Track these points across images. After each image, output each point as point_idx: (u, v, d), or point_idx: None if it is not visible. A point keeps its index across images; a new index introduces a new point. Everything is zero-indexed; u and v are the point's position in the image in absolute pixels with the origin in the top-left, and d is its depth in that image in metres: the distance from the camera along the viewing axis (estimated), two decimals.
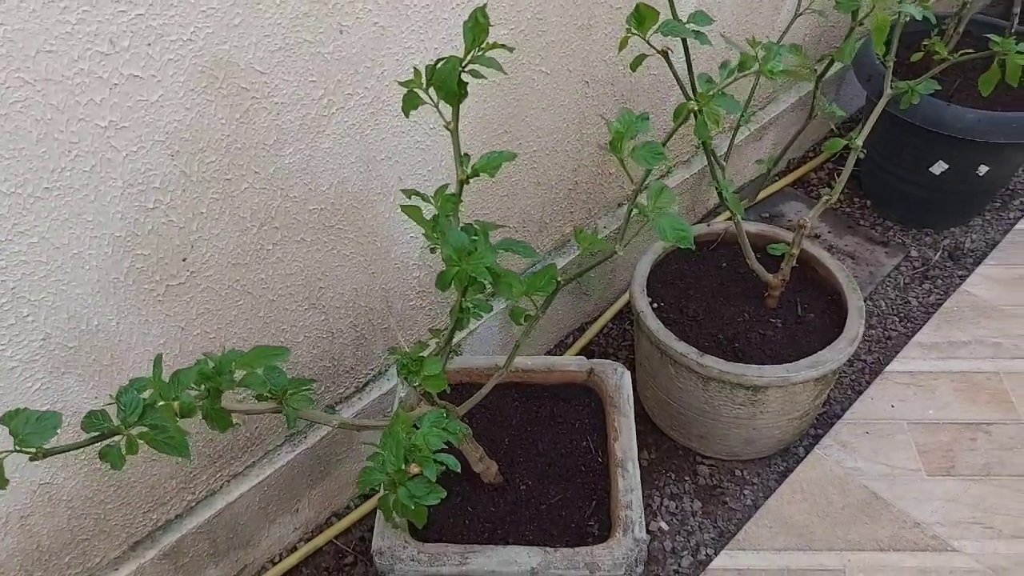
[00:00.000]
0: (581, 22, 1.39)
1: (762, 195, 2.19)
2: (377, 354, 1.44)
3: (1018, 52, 1.32)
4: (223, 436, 1.27)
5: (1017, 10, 1.88)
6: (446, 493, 0.84)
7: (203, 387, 0.75)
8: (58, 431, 0.68)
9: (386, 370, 1.47)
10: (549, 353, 1.86)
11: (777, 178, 2.26)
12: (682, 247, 0.91)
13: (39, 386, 0.99)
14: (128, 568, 1.23)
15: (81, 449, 0.72)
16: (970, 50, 1.46)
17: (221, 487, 1.33)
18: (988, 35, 1.40)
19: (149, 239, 1.01)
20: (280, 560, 1.48)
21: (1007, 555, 1.40)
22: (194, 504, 1.30)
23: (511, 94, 1.35)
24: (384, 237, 1.29)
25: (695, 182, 1.97)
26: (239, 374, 0.78)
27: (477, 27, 0.84)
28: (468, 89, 0.85)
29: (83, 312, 0.99)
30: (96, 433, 0.72)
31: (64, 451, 0.71)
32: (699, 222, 2.08)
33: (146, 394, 0.74)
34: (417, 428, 0.90)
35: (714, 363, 1.43)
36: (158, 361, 0.73)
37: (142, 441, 0.72)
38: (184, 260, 1.06)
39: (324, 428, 1.41)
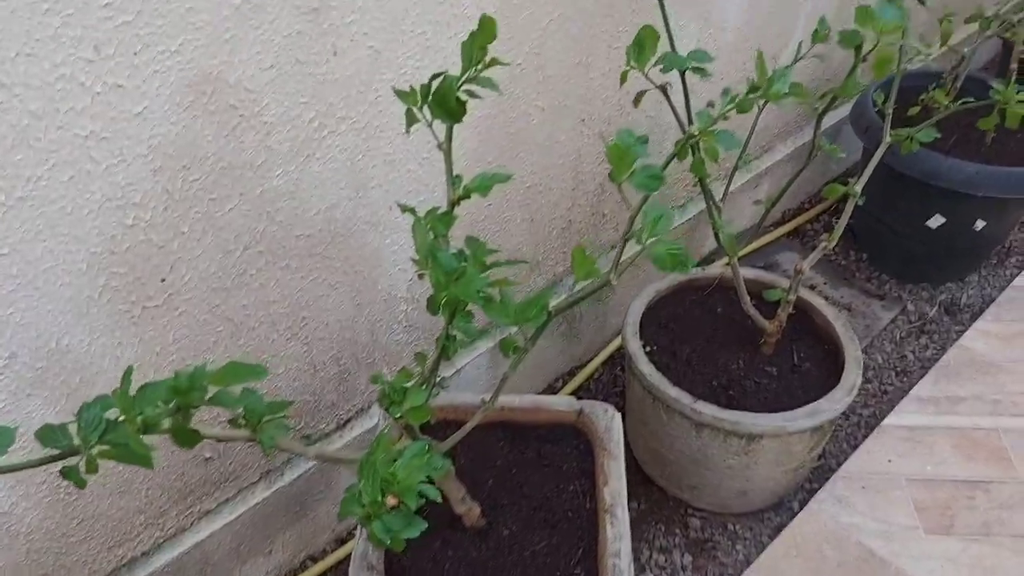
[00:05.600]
0: (579, 59, 1.38)
1: (758, 245, 2.18)
2: (360, 390, 1.39)
3: (1019, 101, 1.32)
4: (195, 471, 1.21)
5: (1014, 66, 1.89)
6: (427, 525, 0.79)
7: (172, 403, 0.70)
8: (9, 447, 0.63)
9: (369, 406, 1.43)
10: None
11: (772, 228, 2.25)
12: (680, 273, 0.88)
13: (0, 407, 0.94)
14: None
15: (39, 471, 0.67)
16: (971, 99, 1.46)
17: (191, 524, 1.27)
18: (990, 86, 1.40)
19: (127, 257, 0.97)
20: None
21: None
22: (162, 541, 1.24)
23: (506, 128, 1.33)
24: (372, 267, 1.26)
25: (691, 227, 1.95)
26: (212, 391, 0.73)
27: (480, 37, 0.82)
28: (464, 121, 0.83)
29: (53, 331, 0.95)
30: (54, 451, 0.67)
31: (16, 469, 0.66)
32: (696, 265, 2.05)
33: (110, 413, 0.70)
34: (397, 460, 0.85)
35: (708, 409, 1.38)
36: (127, 374, 0.68)
37: (104, 460, 0.67)
38: (163, 281, 1.02)
39: (302, 465, 1.35)
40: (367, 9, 1.02)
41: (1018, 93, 1.33)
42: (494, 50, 1.22)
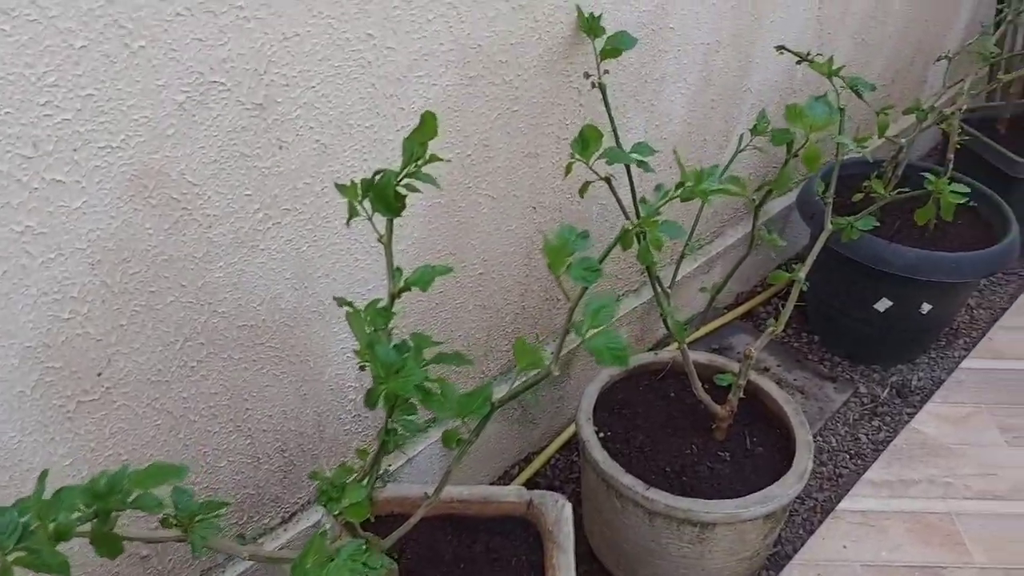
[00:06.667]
0: (528, 150, 1.41)
1: (711, 327, 2.20)
2: (306, 482, 1.36)
3: (952, 192, 1.36)
4: (132, 569, 1.17)
5: (951, 156, 1.96)
6: None
7: (92, 508, 0.68)
8: None
9: (316, 499, 1.39)
10: (493, 484, 1.78)
11: (726, 311, 2.28)
12: (621, 367, 0.88)
13: None
14: None
15: None
16: (906, 188, 1.51)
17: None
18: (924, 174, 1.45)
19: (62, 351, 0.95)
20: None
21: None
22: None
23: (456, 216, 1.34)
24: (318, 357, 1.25)
25: (644, 311, 1.96)
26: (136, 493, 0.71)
27: (421, 133, 0.83)
28: (412, 210, 0.84)
29: None
30: None
31: None
32: (650, 350, 2.06)
33: (28, 518, 0.67)
34: (333, 560, 0.83)
35: (660, 497, 1.37)
36: (42, 478, 0.66)
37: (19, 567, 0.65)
38: (99, 375, 1.00)
39: (242, 564, 1.31)
40: (313, 104, 1.04)
41: (951, 184, 1.38)
42: (442, 143, 1.25)
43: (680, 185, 0.84)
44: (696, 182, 0.83)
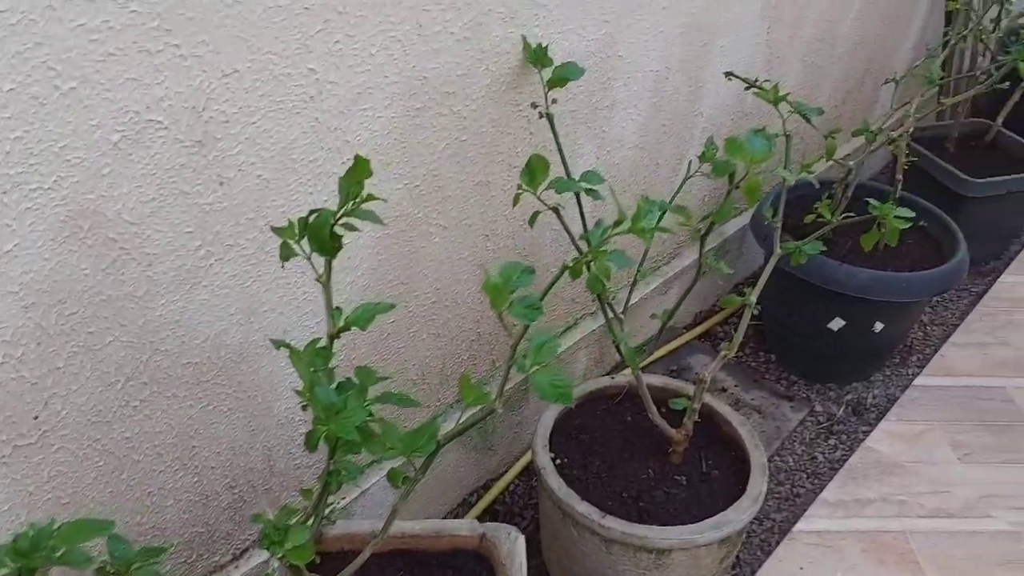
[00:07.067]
0: (479, 179, 1.41)
1: (669, 348, 2.21)
2: None
3: (896, 216, 1.39)
4: None
5: (899, 177, 2.00)
6: None
7: (16, 567, 0.67)
8: None
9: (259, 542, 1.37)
10: (451, 513, 1.77)
11: (684, 331, 2.29)
12: (565, 404, 0.88)
13: None
14: None
15: None
16: (852, 213, 1.53)
17: None
18: (868, 200, 1.47)
19: None
20: None
21: None
22: None
23: (407, 246, 1.34)
24: (267, 391, 1.23)
25: (603, 333, 1.97)
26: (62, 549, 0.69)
27: (355, 173, 0.83)
28: (361, 241, 0.83)
29: None
30: None
31: None
32: (607, 374, 2.07)
33: None
34: None
35: (616, 524, 1.37)
36: None
37: None
38: (36, 418, 0.98)
39: None
40: (255, 140, 1.03)
41: (897, 207, 1.40)
42: (390, 174, 1.24)
43: (618, 223, 0.84)
44: (635, 220, 0.83)
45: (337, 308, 0.87)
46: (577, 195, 1.31)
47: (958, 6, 2.20)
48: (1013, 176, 2.39)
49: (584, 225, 1.33)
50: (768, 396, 2.10)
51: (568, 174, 1.35)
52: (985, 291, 2.48)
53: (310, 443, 0.84)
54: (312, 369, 0.85)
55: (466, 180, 1.39)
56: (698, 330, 2.29)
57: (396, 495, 1.55)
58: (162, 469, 1.15)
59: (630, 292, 1.47)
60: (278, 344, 0.85)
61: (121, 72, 0.87)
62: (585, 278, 1.09)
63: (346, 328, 0.86)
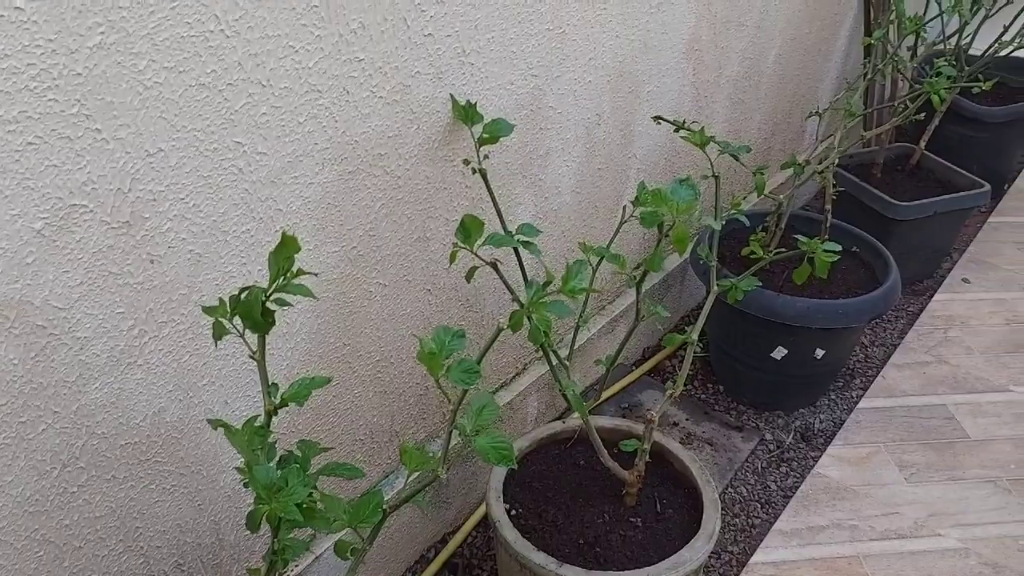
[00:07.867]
0: (417, 235, 1.42)
1: (619, 386, 2.23)
2: None
3: (824, 251, 1.43)
4: None
5: (828, 207, 2.06)
6: None
7: None
8: None
9: None
10: (409, 570, 1.75)
11: (634, 367, 2.31)
12: (507, 467, 0.88)
13: None
14: None
15: None
16: (783, 248, 1.57)
17: None
18: (796, 236, 1.51)
19: None
20: None
21: None
22: None
23: (347, 307, 1.34)
24: (210, 465, 1.21)
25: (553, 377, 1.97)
26: None
27: (284, 249, 0.83)
28: (300, 307, 0.83)
29: None
30: None
31: None
32: (558, 418, 2.07)
33: None
34: None
35: (573, 574, 1.37)
36: None
37: None
38: None
39: None
40: (184, 216, 1.03)
41: (825, 242, 1.44)
42: (325, 237, 1.24)
43: (547, 283, 0.85)
44: (565, 281, 0.85)
45: (274, 384, 0.87)
46: (515, 248, 1.33)
47: (872, 42, 2.29)
48: (939, 197, 2.48)
49: (524, 275, 1.35)
50: (719, 428, 2.12)
51: (504, 227, 1.37)
52: (920, 310, 2.56)
53: (252, 523, 0.83)
54: (251, 448, 0.84)
55: (404, 238, 1.40)
56: (646, 366, 2.31)
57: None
58: (105, 554, 1.12)
59: (574, 338, 1.48)
60: (215, 424, 0.84)
61: (41, 160, 0.86)
62: (527, 329, 1.10)
63: (283, 405, 0.85)
